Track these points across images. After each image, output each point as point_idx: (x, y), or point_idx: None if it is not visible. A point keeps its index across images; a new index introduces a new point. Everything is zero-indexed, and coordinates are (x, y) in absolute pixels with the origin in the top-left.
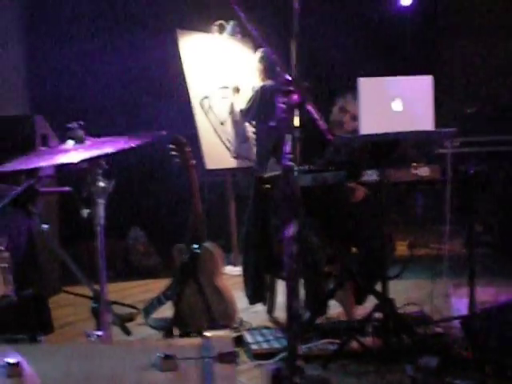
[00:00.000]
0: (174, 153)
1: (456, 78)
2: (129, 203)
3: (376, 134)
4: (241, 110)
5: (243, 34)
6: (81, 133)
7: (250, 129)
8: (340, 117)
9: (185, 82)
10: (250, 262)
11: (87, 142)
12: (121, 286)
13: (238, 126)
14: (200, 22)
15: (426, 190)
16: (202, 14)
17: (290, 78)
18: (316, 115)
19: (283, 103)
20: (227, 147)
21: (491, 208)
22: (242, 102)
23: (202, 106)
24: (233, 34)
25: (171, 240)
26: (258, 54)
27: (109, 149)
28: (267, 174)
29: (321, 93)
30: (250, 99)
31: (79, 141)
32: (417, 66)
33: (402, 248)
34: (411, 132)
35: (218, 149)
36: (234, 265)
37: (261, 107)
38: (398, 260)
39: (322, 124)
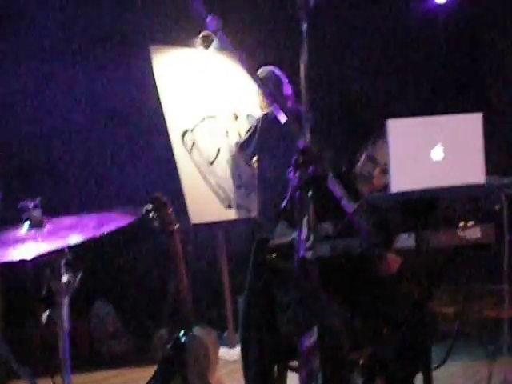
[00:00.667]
0: (151, 215)
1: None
2: (93, 269)
3: (411, 192)
4: (237, 144)
5: (236, 46)
6: (38, 214)
7: (247, 169)
8: (368, 169)
9: (161, 112)
10: (251, 347)
11: (46, 227)
12: (85, 379)
13: (233, 163)
14: (179, 34)
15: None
16: (182, 25)
17: (304, 146)
18: (339, 192)
19: (296, 178)
20: (218, 194)
21: None
22: (238, 134)
23: (183, 143)
24: (222, 47)
25: (147, 317)
26: (261, 72)
27: (75, 237)
28: (275, 241)
29: (343, 133)
30: (248, 130)
31: (36, 225)
32: (461, 99)
33: (446, 315)
34: (456, 187)
35: (206, 197)
36: (230, 346)
37: (265, 139)
38: (442, 335)
39: (345, 205)
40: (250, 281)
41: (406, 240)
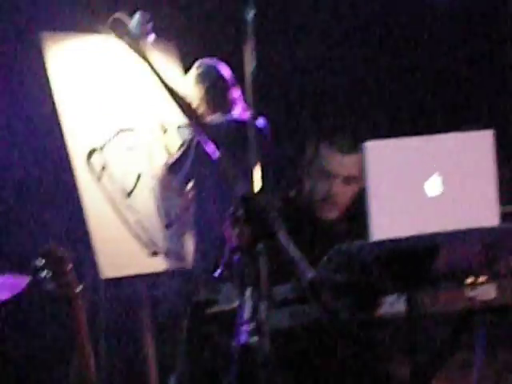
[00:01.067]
0: (44, 274)
1: None
2: None
3: (399, 240)
4: (165, 165)
5: (163, 33)
6: None
7: (179, 201)
8: (323, 189)
9: (58, 124)
10: None
11: None
12: None
13: (160, 194)
14: (82, 16)
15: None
16: (86, 4)
17: (246, 193)
18: (294, 254)
19: (233, 237)
20: (139, 237)
21: None
22: (163, 157)
23: (89, 166)
24: (141, 33)
25: None
26: (195, 69)
27: None
28: (216, 307)
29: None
30: (180, 146)
31: None
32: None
33: None
34: (461, 232)
35: (121, 241)
36: None
37: (203, 160)
38: None
39: (303, 272)
40: (185, 356)
41: (394, 304)
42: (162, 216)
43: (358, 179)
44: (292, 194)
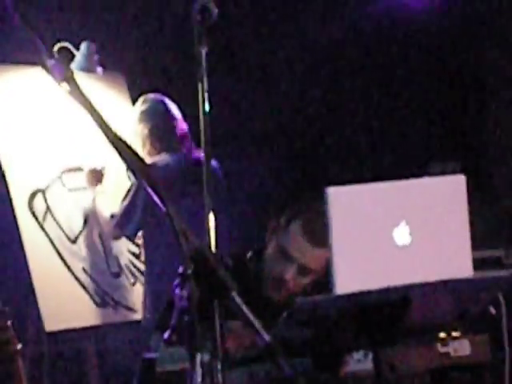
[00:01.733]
0: None
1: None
2: None
3: (365, 293)
4: (112, 217)
5: (110, 65)
6: None
7: (132, 247)
8: (279, 268)
9: None
10: None
11: None
12: None
13: (108, 240)
14: (22, 46)
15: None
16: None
17: (196, 248)
18: (247, 316)
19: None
20: (85, 287)
21: None
22: (111, 199)
23: (31, 210)
24: (89, 64)
25: None
26: (139, 105)
27: None
28: (167, 366)
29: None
30: (126, 194)
31: None
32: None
33: None
34: (432, 284)
35: (67, 291)
36: None
37: (153, 207)
38: None
39: (259, 336)
40: None
41: (360, 362)
42: (110, 264)
43: (316, 272)
44: (249, 254)
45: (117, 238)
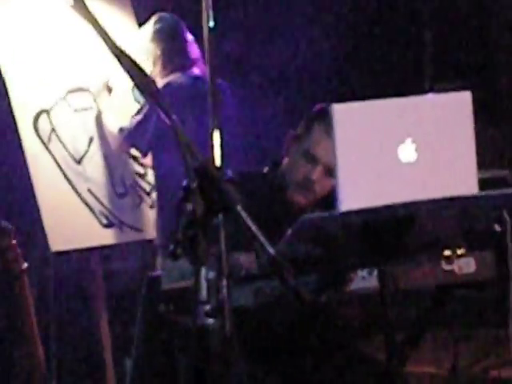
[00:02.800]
0: None
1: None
2: None
3: (370, 210)
4: (121, 130)
5: None
6: None
7: (132, 168)
8: (304, 172)
9: (4, 87)
10: None
11: None
12: None
13: (113, 160)
14: None
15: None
16: None
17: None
18: (252, 230)
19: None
20: (91, 207)
21: None
22: (119, 114)
23: (36, 131)
24: None
25: None
26: (152, 24)
27: None
28: (172, 284)
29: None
30: (138, 111)
31: None
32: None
33: (431, 380)
34: (437, 201)
35: (72, 211)
36: None
37: (163, 129)
38: None
39: (263, 249)
40: (141, 337)
41: (365, 280)
42: (115, 184)
43: None
44: (266, 169)
45: (125, 150)
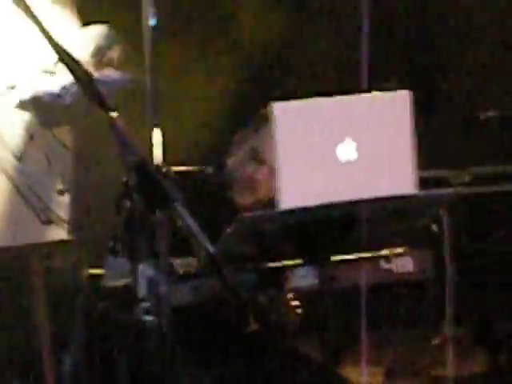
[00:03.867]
0: None
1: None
2: None
3: (309, 209)
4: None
5: None
6: None
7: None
8: (249, 171)
9: None
10: None
11: None
12: None
13: (53, 157)
14: None
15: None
16: None
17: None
18: (192, 227)
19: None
20: (31, 204)
21: None
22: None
23: None
24: None
25: None
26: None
27: None
28: (109, 281)
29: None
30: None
31: None
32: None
33: (375, 380)
34: (376, 200)
35: (13, 209)
36: None
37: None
38: None
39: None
40: (79, 334)
41: (304, 277)
42: (53, 181)
43: None
44: (209, 170)
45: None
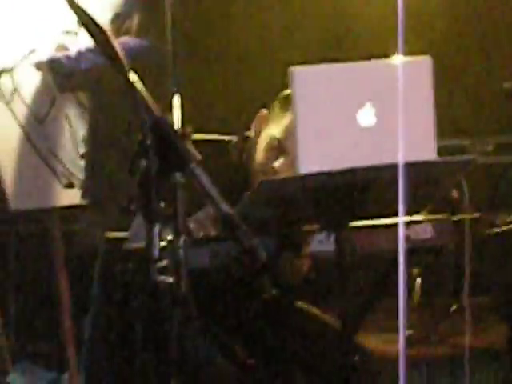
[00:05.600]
0: None
1: None
2: None
3: (328, 173)
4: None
5: None
6: None
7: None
8: (269, 157)
9: None
10: None
11: None
12: None
13: (75, 121)
14: None
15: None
16: None
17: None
18: (209, 189)
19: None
20: (52, 167)
21: None
22: None
23: None
24: None
25: None
26: None
27: None
28: (130, 244)
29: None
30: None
31: None
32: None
33: (388, 351)
34: (395, 166)
35: (33, 171)
36: None
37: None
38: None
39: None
40: (99, 297)
41: (322, 243)
42: (77, 145)
43: None
44: (233, 142)
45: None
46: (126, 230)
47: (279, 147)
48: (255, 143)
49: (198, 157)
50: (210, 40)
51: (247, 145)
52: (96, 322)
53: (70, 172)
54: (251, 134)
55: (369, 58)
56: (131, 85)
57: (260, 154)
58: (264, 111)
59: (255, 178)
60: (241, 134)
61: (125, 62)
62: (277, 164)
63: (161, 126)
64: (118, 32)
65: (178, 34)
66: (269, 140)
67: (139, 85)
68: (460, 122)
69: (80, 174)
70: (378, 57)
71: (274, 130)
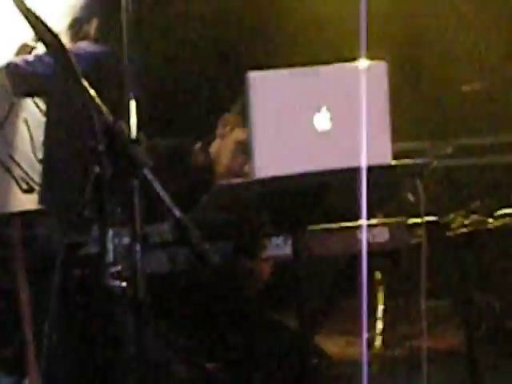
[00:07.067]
0: None
1: None
2: None
3: (285, 178)
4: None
5: None
6: None
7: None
8: (238, 162)
9: None
10: None
11: None
12: None
13: (35, 126)
14: None
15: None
16: None
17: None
18: (160, 193)
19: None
20: (11, 172)
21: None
22: None
23: None
24: None
25: None
26: None
27: None
28: (87, 248)
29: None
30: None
31: None
32: None
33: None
34: (352, 170)
35: None
36: None
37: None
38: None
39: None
40: (57, 302)
41: (279, 247)
42: (35, 150)
43: None
44: (197, 147)
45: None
46: (83, 235)
47: (247, 151)
48: (220, 147)
49: (150, 163)
50: (168, 42)
51: (212, 148)
52: (55, 327)
53: (29, 177)
54: (215, 137)
55: (327, 63)
56: (83, 91)
57: (226, 157)
58: (227, 115)
59: (219, 178)
60: (205, 137)
61: (77, 68)
62: (247, 168)
63: (113, 132)
64: (77, 37)
65: (135, 38)
66: (236, 144)
67: (92, 91)
68: (419, 124)
69: (39, 179)
70: (338, 61)
71: (240, 134)
